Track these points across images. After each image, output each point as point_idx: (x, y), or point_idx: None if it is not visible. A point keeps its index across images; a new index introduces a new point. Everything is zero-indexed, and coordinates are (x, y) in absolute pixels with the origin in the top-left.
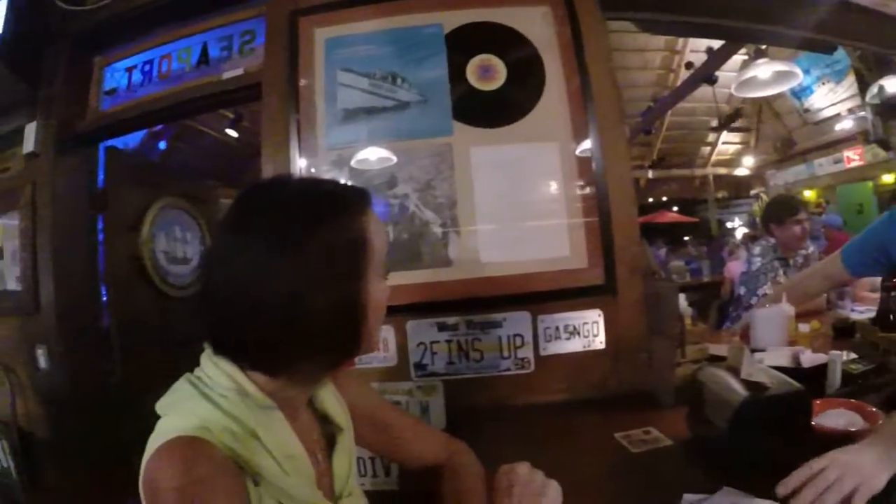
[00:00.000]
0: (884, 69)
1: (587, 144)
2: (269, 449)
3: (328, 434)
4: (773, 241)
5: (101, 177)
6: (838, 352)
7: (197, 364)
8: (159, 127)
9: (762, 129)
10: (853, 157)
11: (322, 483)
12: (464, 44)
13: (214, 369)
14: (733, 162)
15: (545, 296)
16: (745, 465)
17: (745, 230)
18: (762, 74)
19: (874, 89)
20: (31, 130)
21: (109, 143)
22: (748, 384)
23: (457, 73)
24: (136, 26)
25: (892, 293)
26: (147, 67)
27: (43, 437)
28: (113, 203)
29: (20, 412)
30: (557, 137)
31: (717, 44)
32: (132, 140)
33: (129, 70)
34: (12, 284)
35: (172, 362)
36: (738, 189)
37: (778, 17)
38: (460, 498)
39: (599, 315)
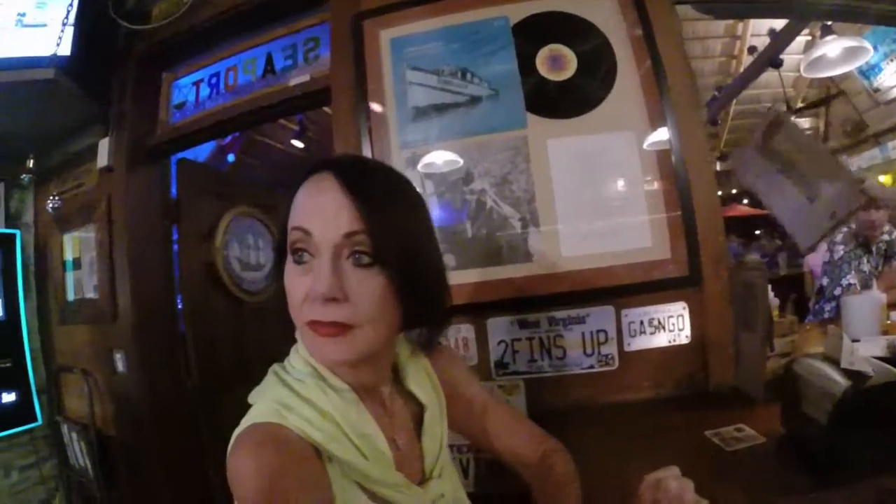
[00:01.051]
0: None
1: (664, 131)
2: (344, 430)
3: (418, 414)
4: (854, 227)
5: (173, 188)
6: None
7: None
8: (227, 140)
9: (831, 113)
10: None
11: (410, 464)
12: (531, 35)
13: (295, 356)
14: None
15: (628, 289)
16: (848, 459)
17: None
18: (831, 52)
19: None
20: (104, 146)
21: (181, 155)
22: (848, 374)
23: (527, 65)
24: (201, 41)
25: None
26: (214, 80)
27: (119, 439)
28: (186, 213)
29: (97, 414)
30: (633, 126)
31: (779, 25)
32: (201, 154)
33: (197, 84)
34: (90, 293)
35: (247, 366)
36: None
37: None
38: (553, 501)
39: (684, 307)
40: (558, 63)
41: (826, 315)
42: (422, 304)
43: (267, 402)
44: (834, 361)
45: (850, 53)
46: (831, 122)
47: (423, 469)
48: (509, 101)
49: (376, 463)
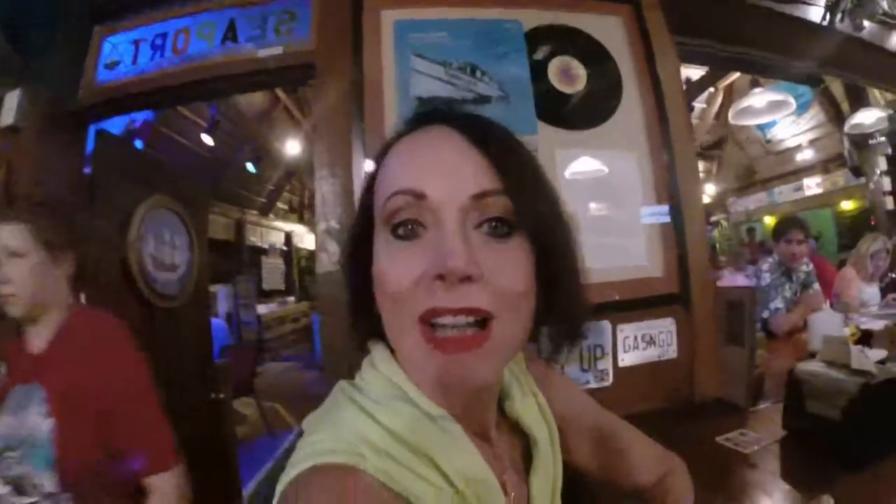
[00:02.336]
0: (858, 102)
1: (663, 155)
2: (446, 473)
3: (525, 448)
4: (778, 258)
5: (87, 165)
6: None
7: (197, 386)
8: (138, 124)
9: (725, 158)
10: (812, 185)
11: None
12: (543, 44)
13: (370, 371)
14: None
15: (623, 305)
16: (867, 448)
17: None
18: (757, 103)
19: (852, 120)
20: (12, 100)
21: (100, 126)
22: (853, 373)
23: (539, 73)
24: None
25: None
26: (159, 41)
27: None
28: (102, 196)
29: None
30: (636, 146)
31: (695, 75)
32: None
33: (137, 43)
34: None
35: (164, 383)
36: None
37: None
38: None
39: (672, 323)
40: (569, 76)
41: None
42: (562, 293)
43: (333, 434)
44: (834, 365)
45: (774, 105)
46: (723, 165)
47: None
48: (520, 105)
49: None
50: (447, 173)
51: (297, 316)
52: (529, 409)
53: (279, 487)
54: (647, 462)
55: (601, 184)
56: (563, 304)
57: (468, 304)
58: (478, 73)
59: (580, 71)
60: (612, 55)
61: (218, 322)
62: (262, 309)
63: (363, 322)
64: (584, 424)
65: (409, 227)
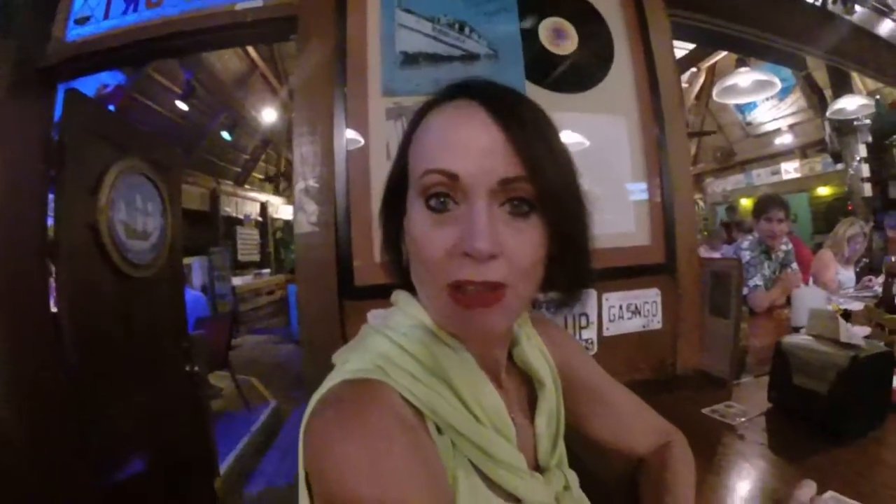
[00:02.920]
0: (842, 88)
1: (653, 123)
2: (460, 393)
3: (531, 395)
4: (758, 236)
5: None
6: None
7: (172, 359)
8: (110, 88)
9: (704, 139)
10: (790, 169)
11: (525, 451)
12: (535, 3)
13: (397, 314)
14: None
15: (609, 273)
16: (854, 421)
17: None
18: (743, 83)
19: (834, 105)
20: None
21: (70, 86)
22: (841, 346)
23: (530, 33)
24: None
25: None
26: None
27: None
28: (71, 159)
29: None
30: (626, 113)
31: (678, 54)
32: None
33: None
34: None
35: (138, 357)
36: None
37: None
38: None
39: (658, 294)
40: (561, 37)
41: None
42: (569, 261)
43: (361, 356)
44: (821, 339)
45: (759, 85)
46: (703, 147)
47: (536, 457)
48: (509, 64)
49: (499, 436)
50: (479, 157)
51: (272, 288)
52: (535, 356)
53: (312, 402)
54: (645, 429)
55: (590, 149)
56: (568, 272)
57: (490, 277)
58: (466, 30)
59: (572, 33)
60: (605, 19)
61: (195, 294)
62: (237, 281)
63: (393, 262)
64: (582, 380)
65: (442, 200)
